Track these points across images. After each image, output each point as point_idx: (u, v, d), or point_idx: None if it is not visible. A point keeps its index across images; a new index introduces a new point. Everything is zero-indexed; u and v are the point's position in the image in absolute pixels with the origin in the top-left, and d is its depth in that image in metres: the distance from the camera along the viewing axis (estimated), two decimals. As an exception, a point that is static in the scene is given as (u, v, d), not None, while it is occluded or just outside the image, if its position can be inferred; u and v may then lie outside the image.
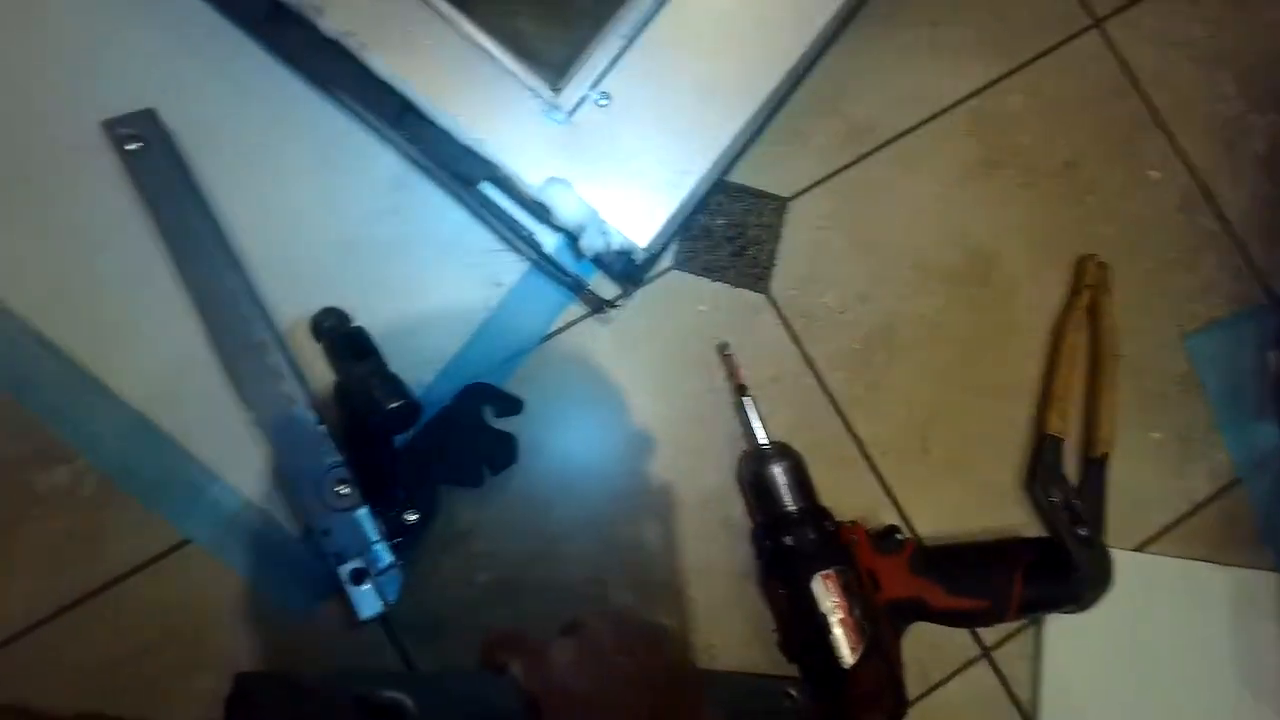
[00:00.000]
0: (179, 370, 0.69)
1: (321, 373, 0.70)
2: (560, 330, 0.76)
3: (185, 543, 0.69)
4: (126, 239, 0.69)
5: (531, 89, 0.69)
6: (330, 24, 0.67)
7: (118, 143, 0.68)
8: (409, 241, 0.74)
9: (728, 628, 0.74)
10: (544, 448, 0.73)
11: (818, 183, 0.80)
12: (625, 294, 0.74)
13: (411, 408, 0.58)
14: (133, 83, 0.71)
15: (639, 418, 0.75)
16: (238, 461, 0.69)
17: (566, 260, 0.74)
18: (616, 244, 0.70)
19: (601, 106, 0.70)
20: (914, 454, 0.78)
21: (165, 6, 0.73)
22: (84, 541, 0.68)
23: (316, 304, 0.71)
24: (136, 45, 0.72)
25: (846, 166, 0.80)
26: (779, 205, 0.79)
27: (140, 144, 0.68)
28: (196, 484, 0.69)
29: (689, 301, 0.77)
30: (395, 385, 0.59)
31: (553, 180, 0.69)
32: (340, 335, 0.62)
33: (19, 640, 0.66)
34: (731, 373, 0.75)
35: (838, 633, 0.67)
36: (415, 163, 0.74)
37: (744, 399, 0.73)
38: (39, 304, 0.69)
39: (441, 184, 0.74)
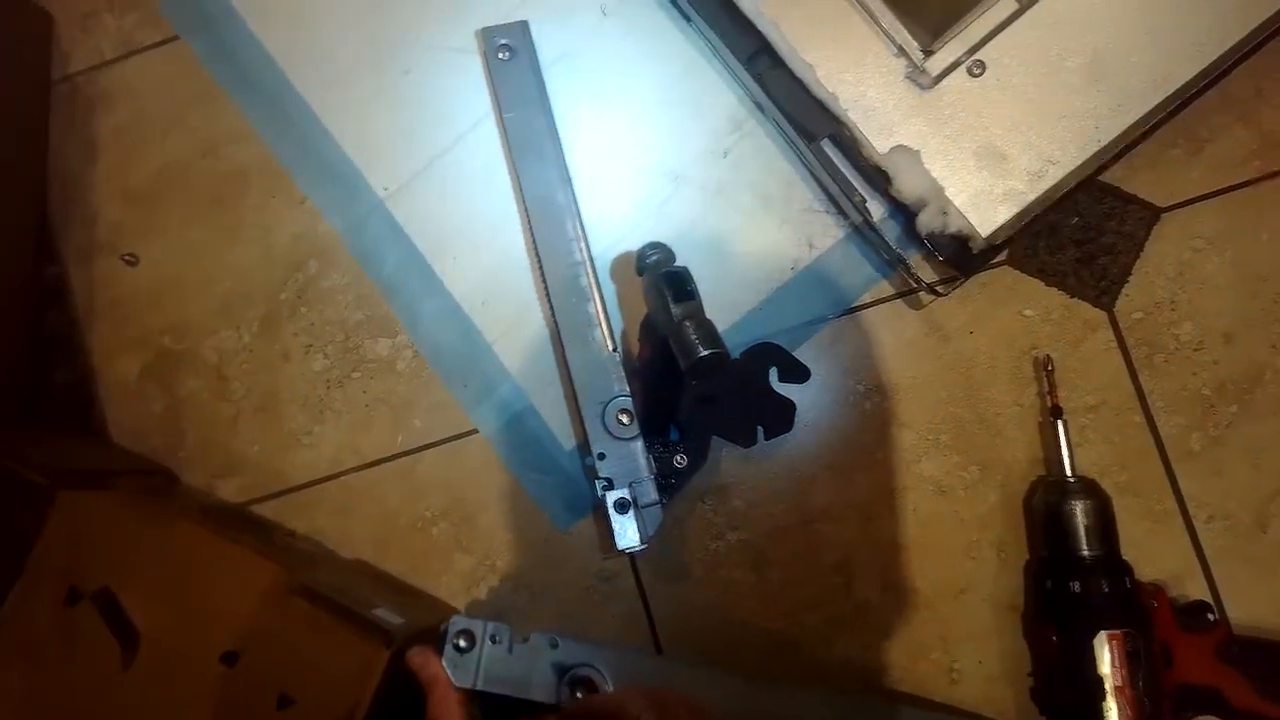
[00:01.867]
0: (499, 270, 0.73)
1: (629, 302, 0.71)
2: (866, 305, 0.72)
3: (473, 431, 0.73)
4: (479, 140, 0.73)
5: (900, 47, 0.65)
6: None
7: (490, 50, 0.71)
8: (733, 186, 0.73)
9: (977, 657, 0.68)
10: (821, 423, 0.70)
11: (1204, 196, 0.69)
12: (950, 281, 0.68)
13: (720, 359, 0.57)
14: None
15: (929, 414, 0.70)
16: (532, 367, 0.72)
17: (892, 234, 0.69)
18: (955, 227, 0.64)
19: (974, 76, 0.64)
20: (1247, 529, 0.67)
21: None
22: (392, 409, 0.74)
23: (631, 233, 0.72)
24: None
25: (1245, 184, 0.68)
26: (1149, 215, 0.69)
27: (509, 54, 0.71)
28: (491, 379, 0.73)
29: (1015, 302, 0.70)
30: (711, 333, 0.58)
31: (900, 148, 0.64)
32: (666, 273, 0.62)
33: (323, 484, 0.74)
34: (1048, 390, 0.67)
35: (1111, 702, 0.60)
36: (758, 107, 0.72)
37: (1057, 422, 0.66)
38: (395, 186, 0.75)
39: (779, 133, 0.72)
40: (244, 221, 0.76)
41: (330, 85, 0.76)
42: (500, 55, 0.71)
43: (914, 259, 0.70)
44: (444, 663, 0.58)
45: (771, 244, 0.72)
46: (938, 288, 0.68)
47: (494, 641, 0.59)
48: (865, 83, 0.66)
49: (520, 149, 0.70)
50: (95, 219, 0.78)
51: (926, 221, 0.64)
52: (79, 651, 0.64)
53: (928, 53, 0.64)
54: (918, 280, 0.68)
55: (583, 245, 0.69)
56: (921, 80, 0.65)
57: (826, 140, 0.67)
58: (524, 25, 0.72)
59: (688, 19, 0.73)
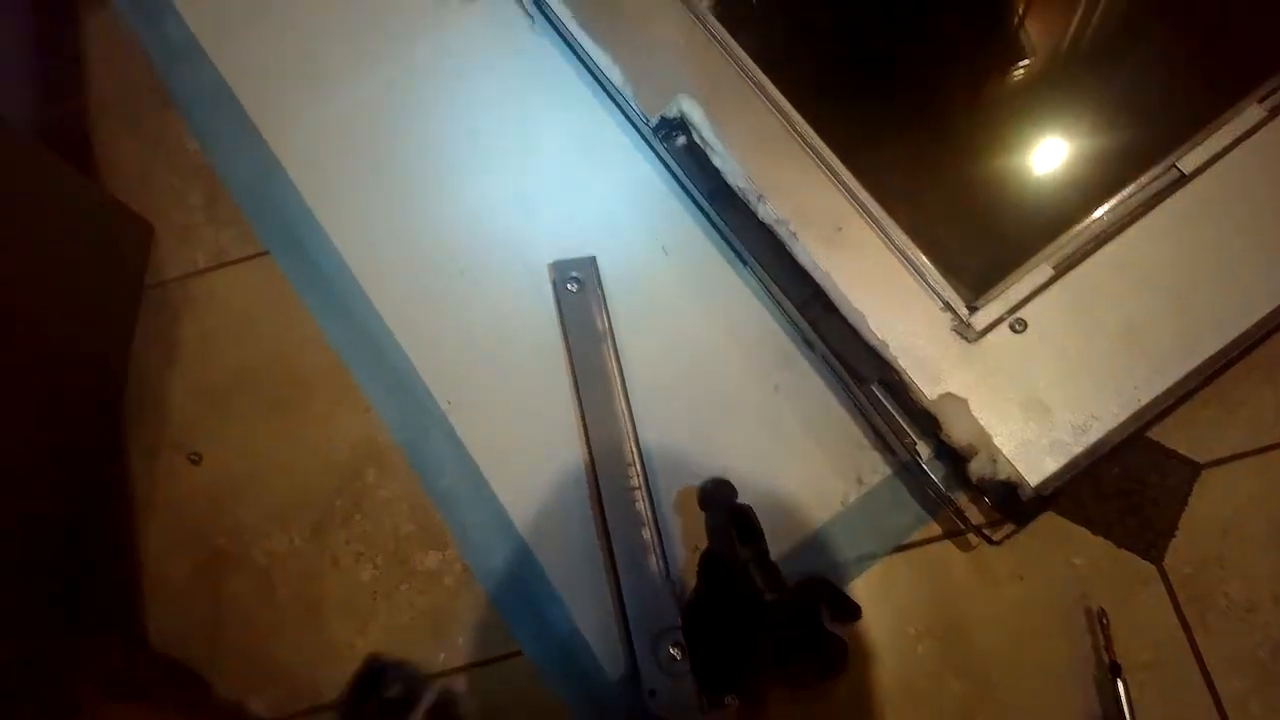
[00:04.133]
0: (554, 490, 0.75)
1: (689, 535, 0.72)
2: (915, 544, 0.72)
3: (518, 652, 0.72)
4: (543, 364, 0.77)
5: (947, 302, 0.69)
6: (767, 211, 0.72)
7: (560, 281, 0.77)
8: (782, 417, 0.76)
9: None
10: (873, 665, 0.69)
11: (1241, 455, 0.71)
12: (1000, 525, 0.69)
13: (785, 603, 0.57)
14: (580, 227, 0.81)
15: (983, 662, 0.69)
16: (581, 590, 0.72)
17: (940, 474, 0.71)
18: (1004, 474, 0.66)
19: (1016, 333, 0.68)
20: (1316, 804, 0.64)
21: (622, 166, 0.83)
22: (434, 623, 0.74)
23: (684, 457, 0.74)
24: (594, 192, 0.83)
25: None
26: (1190, 470, 0.71)
27: (578, 286, 0.76)
28: (538, 598, 0.73)
29: (1063, 550, 0.71)
30: (776, 577, 0.59)
31: (949, 396, 0.68)
32: (732, 512, 0.64)
33: (363, 698, 0.73)
34: (1105, 645, 0.67)
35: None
36: (808, 344, 0.76)
37: (1117, 680, 0.65)
38: (459, 402, 0.78)
39: (828, 371, 0.76)
40: (308, 427, 0.79)
41: (404, 302, 0.81)
42: (569, 286, 0.76)
43: (962, 500, 0.72)
44: None
45: (820, 478, 0.74)
46: (990, 534, 0.69)
47: None
48: (914, 332, 0.70)
49: (583, 375, 0.74)
50: (167, 418, 0.81)
51: (977, 468, 0.66)
52: None
53: (972, 309, 0.69)
54: (968, 523, 0.69)
55: (639, 471, 0.71)
56: (968, 333, 0.69)
57: (876, 384, 0.71)
58: (592, 260, 0.78)
59: (743, 261, 0.78)
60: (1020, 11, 0.85)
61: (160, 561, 0.77)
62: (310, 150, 0.87)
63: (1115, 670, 0.65)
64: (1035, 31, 0.84)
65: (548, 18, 0.84)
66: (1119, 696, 0.64)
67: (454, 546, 0.75)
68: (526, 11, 0.88)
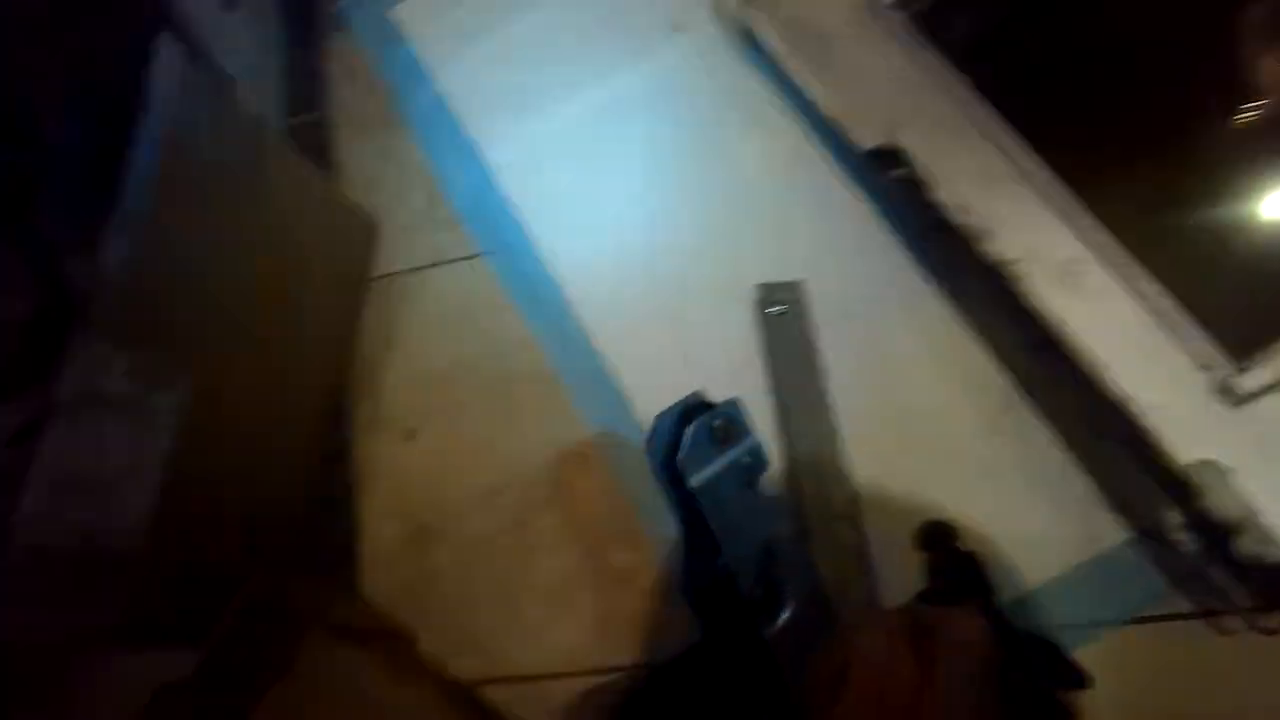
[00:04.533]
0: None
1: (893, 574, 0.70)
2: (1157, 618, 0.66)
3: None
4: (741, 388, 0.79)
5: (1204, 362, 0.62)
6: (994, 249, 0.68)
7: (763, 304, 0.79)
8: (1002, 465, 0.71)
9: None
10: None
11: None
12: (1270, 614, 0.62)
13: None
14: (786, 254, 0.80)
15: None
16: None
17: (1190, 547, 0.63)
18: (1275, 558, 0.58)
19: (1294, 401, 0.59)
20: None
21: (832, 196, 0.82)
22: (624, 624, 0.76)
23: (893, 498, 0.72)
24: (800, 218, 0.82)
25: None
26: None
27: (783, 310, 0.79)
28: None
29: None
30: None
31: (1207, 463, 0.60)
32: (959, 557, 0.62)
33: (554, 680, 0.77)
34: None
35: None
36: (1030, 392, 0.72)
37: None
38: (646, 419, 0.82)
39: (1056, 421, 0.71)
40: (515, 419, 0.84)
41: (606, 313, 0.85)
42: (775, 310, 0.79)
43: (1220, 577, 0.64)
44: None
45: (1045, 533, 0.69)
46: (1261, 622, 0.62)
47: None
48: (1164, 390, 0.62)
49: (786, 402, 0.74)
50: (385, 395, 0.89)
51: (1245, 547, 0.59)
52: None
53: (1240, 369, 0.61)
54: (1230, 605, 0.63)
55: (846, 501, 0.71)
56: (1232, 396, 0.61)
57: (1115, 441, 0.66)
58: (800, 285, 0.80)
59: (957, 298, 0.76)
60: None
61: (375, 527, 0.85)
62: (522, 164, 0.93)
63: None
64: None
65: (757, 46, 0.84)
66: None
67: (650, 550, 0.78)
68: (735, 39, 0.90)
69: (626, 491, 0.80)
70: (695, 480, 0.42)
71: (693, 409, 0.44)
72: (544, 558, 0.80)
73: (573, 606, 0.78)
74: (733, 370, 0.79)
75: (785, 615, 0.42)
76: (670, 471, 0.43)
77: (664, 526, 0.77)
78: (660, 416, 0.45)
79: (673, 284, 0.84)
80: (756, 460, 0.45)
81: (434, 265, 0.92)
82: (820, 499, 0.72)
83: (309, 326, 0.83)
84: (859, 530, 0.71)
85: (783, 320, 0.77)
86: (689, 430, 0.44)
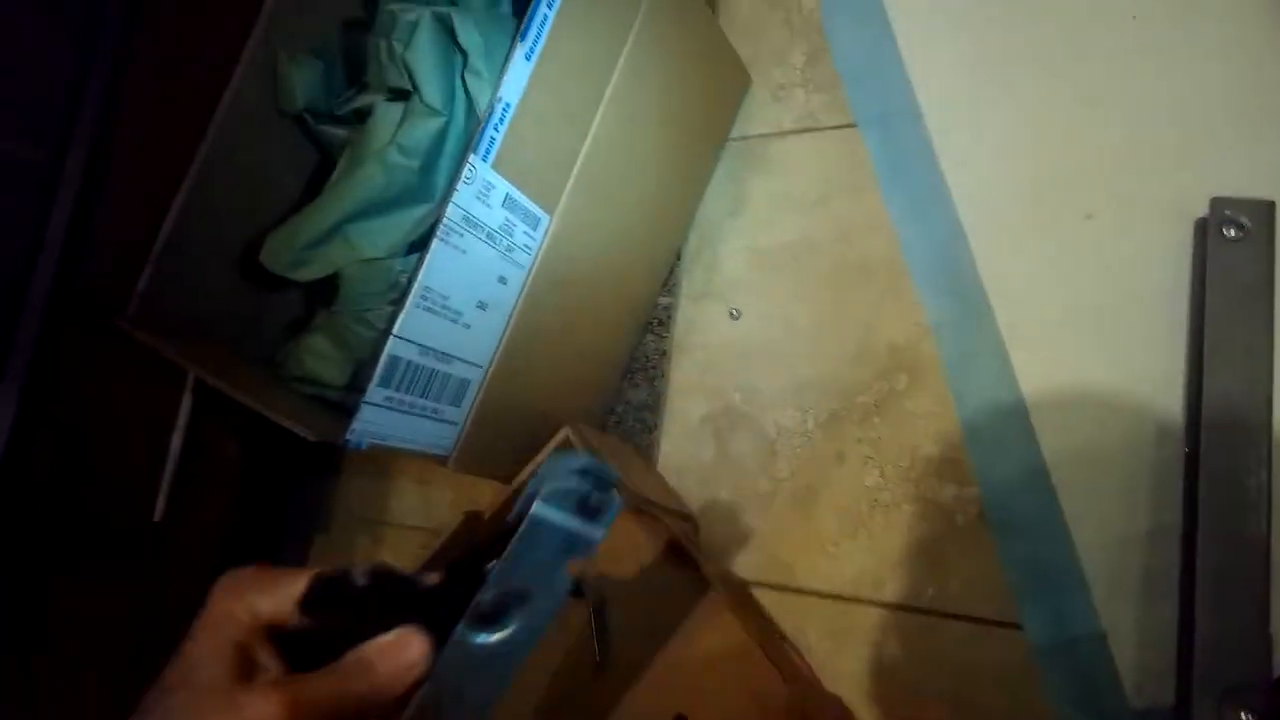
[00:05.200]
0: (1117, 460, 0.62)
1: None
2: None
3: (1015, 624, 0.63)
4: (1153, 314, 0.63)
5: None
6: None
7: (1215, 222, 0.60)
8: None
9: None
10: None
11: None
12: None
13: None
14: (1257, 165, 0.62)
15: None
16: (1123, 590, 0.60)
17: None
18: None
19: None
20: None
21: None
22: (931, 560, 0.67)
23: None
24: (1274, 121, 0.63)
25: None
26: None
27: (1239, 232, 0.59)
28: (1061, 579, 0.62)
29: None
30: None
31: None
32: None
33: (831, 600, 0.70)
34: None
35: None
36: None
37: None
38: (1024, 335, 0.67)
39: None
40: (850, 313, 0.75)
41: (989, 207, 0.71)
42: (1228, 231, 0.59)
43: None
44: None
45: None
46: None
47: None
48: None
49: (1215, 338, 0.58)
50: (717, 267, 0.83)
51: None
52: (566, 640, 0.68)
53: None
54: None
55: (1267, 471, 0.55)
56: None
57: None
58: (1270, 206, 0.60)
59: None
60: None
61: (682, 398, 0.81)
62: (929, 25, 0.78)
63: None
64: None
65: None
66: None
67: (973, 485, 0.67)
68: None
69: (962, 418, 0.68)
70: (540, 510, 0.40)
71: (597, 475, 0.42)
72: (851, 471, 0.72)
73: (871, 530, 0.70)
74: (1144, 297, 0.64)
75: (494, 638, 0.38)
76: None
77: (997, 460, 0.66)
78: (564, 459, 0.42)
79: (1085, 191, 0.68)
80: (589, 548, 0.42)
81: (799, 131, 0.83)
82: (1226, 476, 0.56)
83: (666, 178, 0.79)
84: (1267, 527, 0.55)
85: (1237, 245, 0.59)
86: (573, 477, 0.42)
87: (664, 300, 0.85)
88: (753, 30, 0.87)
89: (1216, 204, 0.61)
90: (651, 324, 0.84)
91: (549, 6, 0.58)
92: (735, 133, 0.86)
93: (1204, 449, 0.57)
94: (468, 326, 0.63)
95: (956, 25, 0.77)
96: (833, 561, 0.71)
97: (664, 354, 0.83)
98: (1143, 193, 0.66)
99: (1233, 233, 0.60)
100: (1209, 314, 0.59)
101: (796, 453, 0.74)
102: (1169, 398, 0.62)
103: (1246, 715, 0.51)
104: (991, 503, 0.66)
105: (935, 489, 0.68)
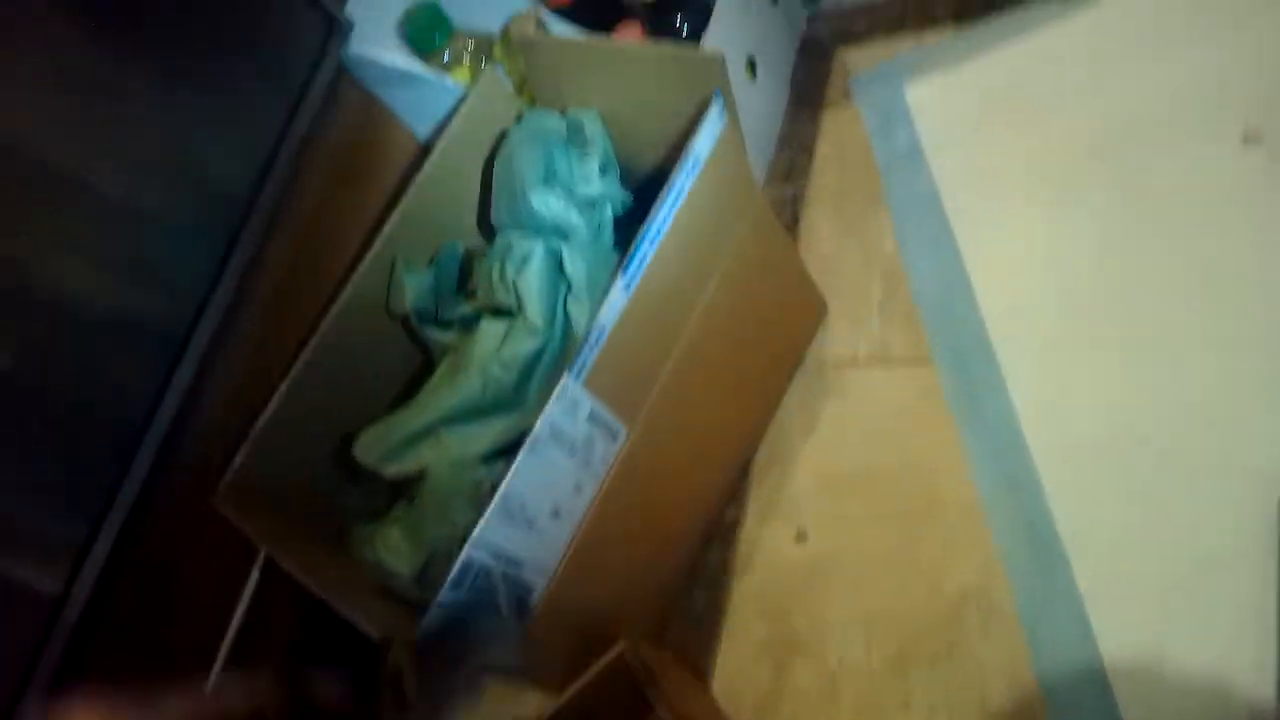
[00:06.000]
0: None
1: None
2: None
3: None
4: (1235, 606, 0.61)
5: None
6: None
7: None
8: None
9: None
10: None
11: None
12: None
13: None
14: None
15: None
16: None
17: None
18: None
19: None
20: None
21: None
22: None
23: None
24: None
25: None
26: None
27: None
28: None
29: None
30: None
31: None
32: None
33: None
34: None
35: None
36: None
37: None
38: (1102, 592, 0.66)
39: None
40: (922, 548, 0.75)
41: (1072, 468, 0.71)
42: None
43: None
44: None
45: None
46: None
47: None
48: None
49: None
50: (786, 485, 0.84)
51: None
52: None
53: None
54: None
55: None
56: None
57: None
58: None
59: None
60: None
61: (741, 620, 0.80)
62: (1006, 273, 0.83)
63: None
64: None
65: None
66: None
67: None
68: None
69: (1037, 669, 0.65)
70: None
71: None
72: (919, 717, 0.68)
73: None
74: (1239, 572, 0.62)
75: None
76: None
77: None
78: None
79: (1174, 456, 0.68)
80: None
81: (874, 361, 0.86)
82: None
83: (741, 398, 0.82)
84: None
85: None
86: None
87: (730, 513, 0.85)
88: (833, 261, 0.93)
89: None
90: (715, 536, 0.84)
91: (650, 244, 0.64)
92: (814, 355, 0.89)
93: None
94: (541, 533, 0.64)
95: (1039, 282, 0.80)
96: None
97: (726, 567, 0.83)
98: (1228, 460, 0.66)
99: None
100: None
101: (860, 691, 0.72)
102: (1258, 677, 0.59)
103: None
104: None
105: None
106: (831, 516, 0.80)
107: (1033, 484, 0.72)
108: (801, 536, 0.81)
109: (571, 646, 0.71)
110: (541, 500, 0.63)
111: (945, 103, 0.95)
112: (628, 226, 0.69)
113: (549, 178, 0.72)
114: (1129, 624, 0.65)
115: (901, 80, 0.98)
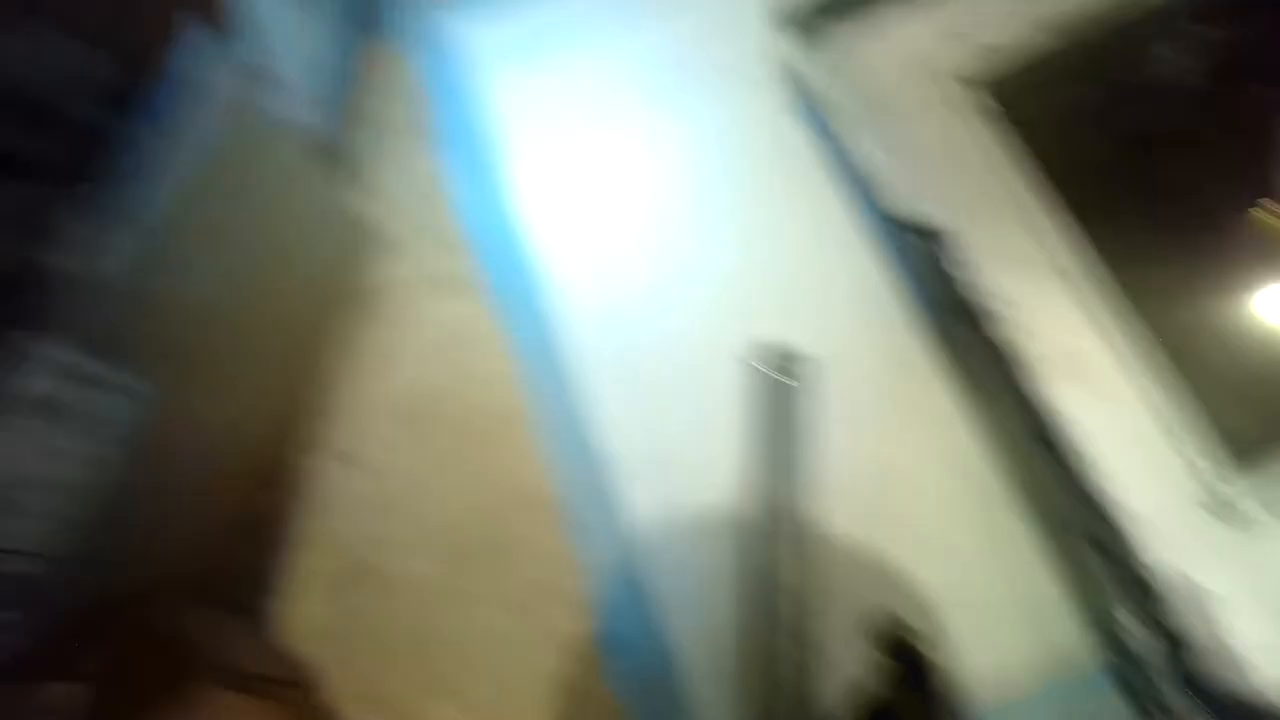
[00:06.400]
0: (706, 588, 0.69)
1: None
2: None
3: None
4: (726, 450, 0.72)
5: (1199, 473, 0.59)
6: (1006, 331, 0.64)
7: (763, 366, 0.72)
8: (981, 570, 0.67)
9: None
10: None
11: None
12: None
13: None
14: (799, 314, 0.76)
15: None
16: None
17: (1162, 677, 0.58)
18: (1239, 688, 0.53)
19: (1296, 526, 0.56)
20: None
21: (865, 264, 0.78)
22: (549, 694, 0.70)
23: (860, 588, 0.67)
24: (820, 283, 0.78)
25: None
26: None
27: (781, 374, 0.71)
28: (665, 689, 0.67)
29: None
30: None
31: (1185, 579, 0.56)
32: (908, 655, 0.56)
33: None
34: None
35: None
36: (1024, 493, 0.68)
37: None
38: (632, 470, 0.74)
39: (1044, 525, 0.67)
40: (478, 461, 0.79)
41: (601, 360, 0.78)
42: (770, 372, 0.72)
43: (1178, 705, 0.58)
44: None
45: (1014, 652, 0.64)
46: None
47: None
48: (1152, 497, 0.58)
49: (766, 471, 0.69)
50: (341, 416, 0.83)
51: (1220, 678, 0.54)
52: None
53: (1227, 481, 0.58)
54: None
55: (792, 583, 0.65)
56: (1228, 514, 0.57)
57: (1098, 550, 0.60)
58: (803, 352, 0.72)
59: (965, 383, 0.72)
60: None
61: (304, 558, 0.78)
62: (545, 193, 0.88)
63: None
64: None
65: (811, 100, 0.80)
66: None
67: (592, 620, 0.71)
68: (791, 92, 0.85)
69: (581, 555, 0.72)
70: None
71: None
72: (477, 612, 0.73)
73: (498, 669, 0.72)
74: (713, 433, 0.74)
75: None
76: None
77: (608, 594, 0.71)
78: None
79: (671, 339, 0.79)
80: None
81: (426, 287, 0.87)
82: (769, 585, 0.66)
83: (280, 338, 0.78)
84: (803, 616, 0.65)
85: (779, 386, 0.71)
86: None
87: (284, 453, 0.82)
88: (385, 192, 0.93)
89: (758, 348, 0.73)
90: (270, 481, 0.80)
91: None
92: (365, 286, 0.88)
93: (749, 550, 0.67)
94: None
95: (578, 195, 0.86)
96: (464, 706, 0.70)
97: (282, 512, 0.79)
98: (716, 345, 0.76)
99: (772, 372, 0.72)
100: (759, 447, 0.71)
101: (423, 601, 0.74)
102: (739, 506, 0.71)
103: None
104: (608, 634, 0.70)
105: (558, 623, 0.71)
106: (390, 440, 0.81)
107: (562, 380, 0.78)
108: (358, 462, 0.80)
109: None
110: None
111: (499, 36, 0.97)
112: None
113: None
114: (650, 499, 0.74)
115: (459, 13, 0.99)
